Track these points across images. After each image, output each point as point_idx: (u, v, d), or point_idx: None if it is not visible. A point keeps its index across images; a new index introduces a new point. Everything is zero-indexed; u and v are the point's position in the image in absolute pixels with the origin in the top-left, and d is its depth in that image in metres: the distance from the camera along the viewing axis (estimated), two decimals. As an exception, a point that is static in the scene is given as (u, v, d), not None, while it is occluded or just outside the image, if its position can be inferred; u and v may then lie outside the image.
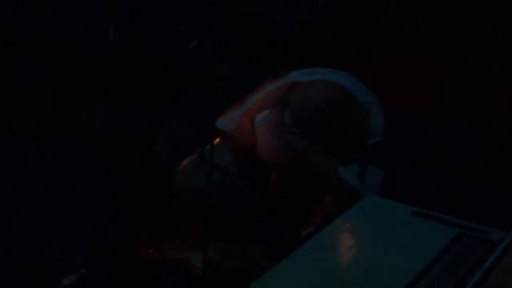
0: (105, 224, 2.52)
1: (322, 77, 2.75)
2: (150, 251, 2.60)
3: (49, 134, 2.60)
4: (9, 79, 2.79)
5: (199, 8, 3.07)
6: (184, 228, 2.64)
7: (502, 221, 1.75)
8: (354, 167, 2.62)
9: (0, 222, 2.33)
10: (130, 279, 2.44)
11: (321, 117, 2.64)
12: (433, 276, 1.64)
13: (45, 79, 2.81)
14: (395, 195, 2.00)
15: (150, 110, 2.74)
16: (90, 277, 2.35)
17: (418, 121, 3.17)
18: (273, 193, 2.67)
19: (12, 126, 2.61)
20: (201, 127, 2.71)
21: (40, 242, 2.37)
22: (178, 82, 2.75)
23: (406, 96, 3.40)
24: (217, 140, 2.70)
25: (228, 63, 3.03)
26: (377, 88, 2.85)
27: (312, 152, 2.59)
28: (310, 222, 2.54)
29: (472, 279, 1.55)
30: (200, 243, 2.46)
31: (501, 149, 3.01)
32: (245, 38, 3.18)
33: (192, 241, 2.57)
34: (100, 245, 2.48)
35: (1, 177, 2.39)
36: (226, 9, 3.21)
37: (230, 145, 2.71)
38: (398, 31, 3.48)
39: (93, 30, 2.82)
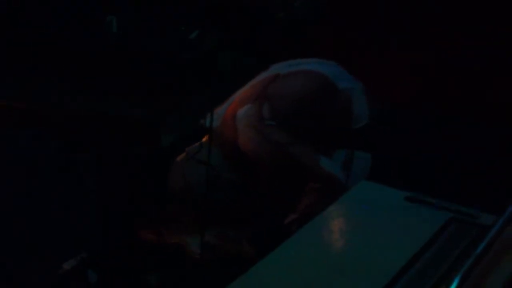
0: (106, 210, 2.54)
1: (302, 67, 2.74)
2: (149, 236, 2.62)
3: (54, 123, 2.62)
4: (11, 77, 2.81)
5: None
6: (181, 214, 2.66)
7: (493, 205, 1.75)
8: (340, 153, 2.63)
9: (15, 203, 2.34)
10: (130, 263, 2.45)
11: (300, 107, 2.63)
12: (426, 260, 1.65)
13: (48, 74, 2.83)
14: (386, 180, 2.01)
15: (155, 101, 2.76)
16: (91, 261, 2.36)
17: (417, 119, 3.18)
18: (259, 184, 2.68)
19: (18, 114, 2.63)
20: (201, 118, 2.73)
21: (42, 229, 2.39)
22: (181, 72, 2.76)
23: (406, 96, 3.42)
24: (205, 137, 2.72)
25: (229, 54, 3.04)
26: (377, 88, 2.87)
27: (291, 143, 2.57)
28: (294, 209, 2.56)
29: (465, 263, 1.55)
30: (196, 228, 2.48)
31: (501, 148, 3.02)
32: (245, 29, 3.20)
33: (189, 226, 2.59)
34: (101, 230, 2.49)
35: (11, 158, 2.41)
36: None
37: (217, 142, 2.71)
38: (398, 31, 3.49)
39: (95, 24, 2.84)
